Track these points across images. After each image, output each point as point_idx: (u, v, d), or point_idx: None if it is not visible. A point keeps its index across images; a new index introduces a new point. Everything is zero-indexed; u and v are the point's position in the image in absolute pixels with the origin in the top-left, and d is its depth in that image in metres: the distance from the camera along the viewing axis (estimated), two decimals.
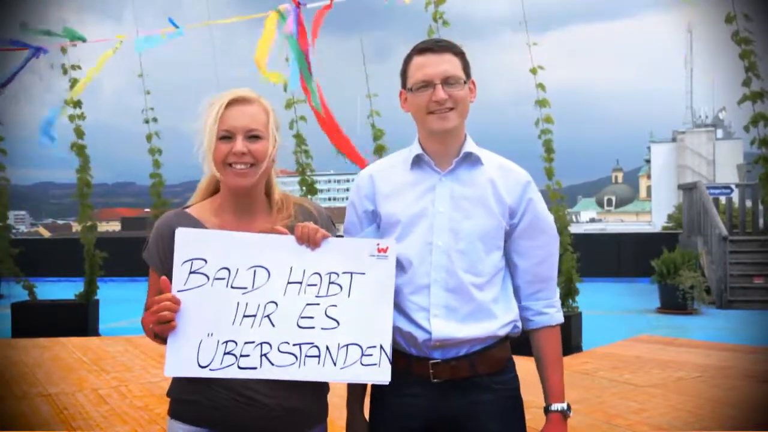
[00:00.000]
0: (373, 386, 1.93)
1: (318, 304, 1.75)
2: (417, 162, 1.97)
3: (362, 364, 1.74)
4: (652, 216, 40.76)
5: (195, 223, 1.85)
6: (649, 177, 62.24)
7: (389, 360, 1.77)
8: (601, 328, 8.77)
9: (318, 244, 1.77)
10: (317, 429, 1.89)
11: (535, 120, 7.74)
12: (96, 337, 8.74)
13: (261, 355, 1.72)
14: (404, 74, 1.97)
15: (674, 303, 10.60)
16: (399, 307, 1.89)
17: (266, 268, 1.75)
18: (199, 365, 1.71)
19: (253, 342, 1.72)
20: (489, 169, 1.97)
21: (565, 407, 1.95)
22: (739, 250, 11.60)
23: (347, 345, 1.74)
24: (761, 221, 12.93)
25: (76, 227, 11.65)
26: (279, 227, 1.80)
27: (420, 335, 1.87)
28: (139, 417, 4.97)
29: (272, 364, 1.72)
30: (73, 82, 8.91)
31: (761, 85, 6.65)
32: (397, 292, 1.88)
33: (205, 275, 1.74)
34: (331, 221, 1.97)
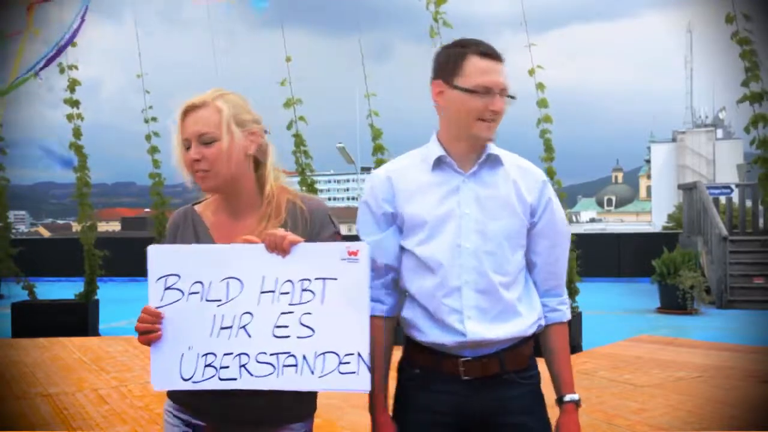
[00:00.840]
0: (399, 383, 1.94)
1: (292, 312, 1.73)
2: (438, 163, 1.95)
3: (340, 373, 1.71)
4: (652, 216, 40.73)
5: (197, 220, 1.92)
6: (649, 177, 62.26)
7: (368, 367, 1.73)
8: (601, 328, 8.77)
9: (287, 251, 1.73)
10: (296, 426, 1.87)
11: (536, 120, 7.75)
12: (96, 337, 8.74)
13: (240, 366, 1.73)
14: (455, 68, 1.89)
15: (674, 303, 10.59)
16: (430, 311, 1.89)
17: (239, 279, 1.74)
18: (183, 378, 1.75)
19: (232, 353, 1.73)
20: (509, 170, 1.97)
21: (577, 397, 2.00)
22: (739, 250, 11.60)
23: (324, 353, 1.72)
24: (761, 221, 12.93)
25: (76, 227, 11.66)
26: (249, 236, 1.77)
27: (454, 337, 1.87)
28: (139, 417, 4.97)
29: (251, 375, 1.72)
30: (72, 82, 8.91)
31: (761, 86, 6.66)
32: (428, 296, 1.88)
33: (180, 290, 1.76)
34: (330, 218, 1.92)
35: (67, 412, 5.13)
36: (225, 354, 1.73)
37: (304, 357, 1.71)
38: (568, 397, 1.99)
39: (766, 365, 6.58)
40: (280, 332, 1.72)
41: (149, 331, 1.77)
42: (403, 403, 1.97)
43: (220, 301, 1.74)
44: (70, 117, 8.91)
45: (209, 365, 1.73)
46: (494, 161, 1.96)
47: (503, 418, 1.91)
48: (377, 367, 1.92)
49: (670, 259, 10.80)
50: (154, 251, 1.78)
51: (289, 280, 1.73)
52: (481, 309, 1.88)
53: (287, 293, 1.72)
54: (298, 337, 1.72)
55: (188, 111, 1.83)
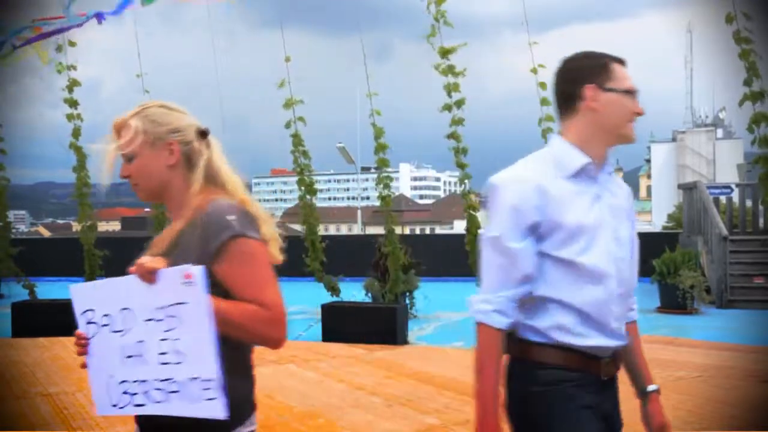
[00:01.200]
0: (548, 385, 1.94)
1: (167, 339, 1.75)
2: (580, 171, 1.95)
3: (205, 399, 1.71)
4: (652, 216, 40.74)
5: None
6: (649, 177, 62.25)
7: (223, 393, 1.69)
8: None
9: (150, 280, 1.72)
10: None
11: (537, 119, 7.76)
12: None
13: (143, 393, 1.79)
14: (606, 73, 1.93)
15: (674, 303, 10.59)
16: (594, 317, 1.92)
17: (131, 309, 1.79)
18: (111, 405, 1.85)
19: (137, 381, 1.80)
20: (616, 179, 2.06)
21: (657, 387, 2.17)
22: (739, 250, 11.59)
23: (193, 378, 1.72)
24: (761, 221, 12.92)
25: (76, 227, 11.66)
26: (132, 267, 1.76)
27: (618, 341, 1.98)
28: None
29: (153, 401, 1.78)
30: (72, 83, 8.91)
31: (761, 85, 6.66)
32: (595, 304, 1.92)
33: (95, 323, 1.85)
34: (230, 221, 1.78)
35: (67, 412, 5.13)
36: (133, 381, 1.81)
37: (182, 383, 1.74)
38: (651, 387, 2.16)
39: (766, 365, 6.58)
40: (163, 359, 1.76)
41: (82, 353, 1.89)
42: (567, 401, 1.95)
43: (122, 331, 1.81)
44: (69, 117, 8.92)
45: (125, 392, 1.82)
46: (611, 169, 2.04)
47: (613, 416, 2.08)
48: (489, 389, 1.89)
49: (670, 258, 10.79)
50: (73, 290, 1.90)
51: (159, 308, 1.75)
52: (623, 315, 2.01)
53: (161, 320, 1.75)
54: (175, 363, 1.74)
55: (118, 129, 1.92)
